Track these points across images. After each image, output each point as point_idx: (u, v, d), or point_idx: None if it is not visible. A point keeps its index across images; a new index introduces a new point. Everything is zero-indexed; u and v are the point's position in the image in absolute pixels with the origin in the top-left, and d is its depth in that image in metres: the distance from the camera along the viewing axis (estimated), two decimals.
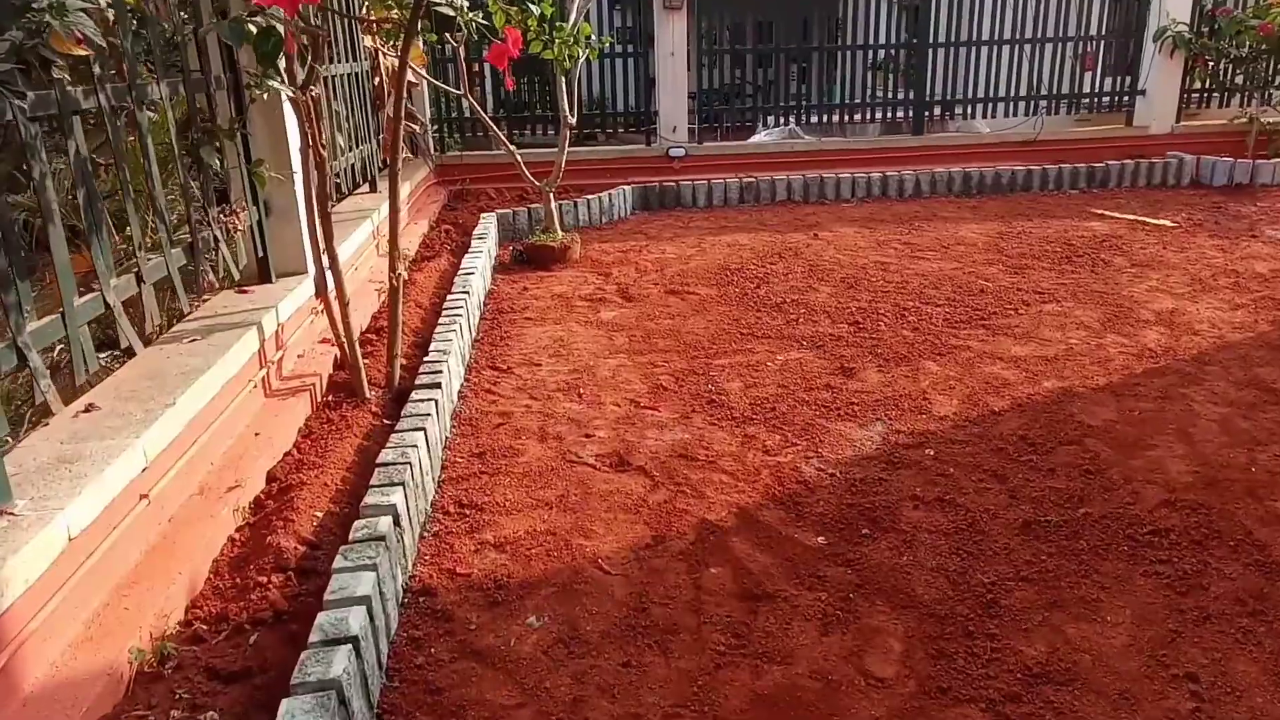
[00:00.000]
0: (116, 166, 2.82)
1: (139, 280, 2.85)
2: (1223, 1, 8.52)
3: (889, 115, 8.91)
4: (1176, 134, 8.83)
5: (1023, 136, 8.78)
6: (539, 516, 2.78)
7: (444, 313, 4.24)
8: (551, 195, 6.03)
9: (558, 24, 4.70)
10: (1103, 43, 8.82)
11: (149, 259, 2.91)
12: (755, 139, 9.20)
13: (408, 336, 4.15)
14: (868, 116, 8.92)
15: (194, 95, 3.29)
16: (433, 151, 8.23)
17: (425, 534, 2.70)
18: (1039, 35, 8.68)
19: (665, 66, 8.26)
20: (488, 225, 6.23)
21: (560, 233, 6.04)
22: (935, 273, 5.47)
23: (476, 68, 8.40)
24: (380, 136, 6.38)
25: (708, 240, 6.58)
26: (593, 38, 5.38)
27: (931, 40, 8.68)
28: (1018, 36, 8.66)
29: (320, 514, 2.61)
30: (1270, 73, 8.76)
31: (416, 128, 7.43)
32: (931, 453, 3.17)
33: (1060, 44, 8.71)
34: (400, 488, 2.50)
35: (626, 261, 6.01)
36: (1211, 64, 8.60)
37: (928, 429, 3.35)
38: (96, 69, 2.63)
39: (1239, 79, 8.79)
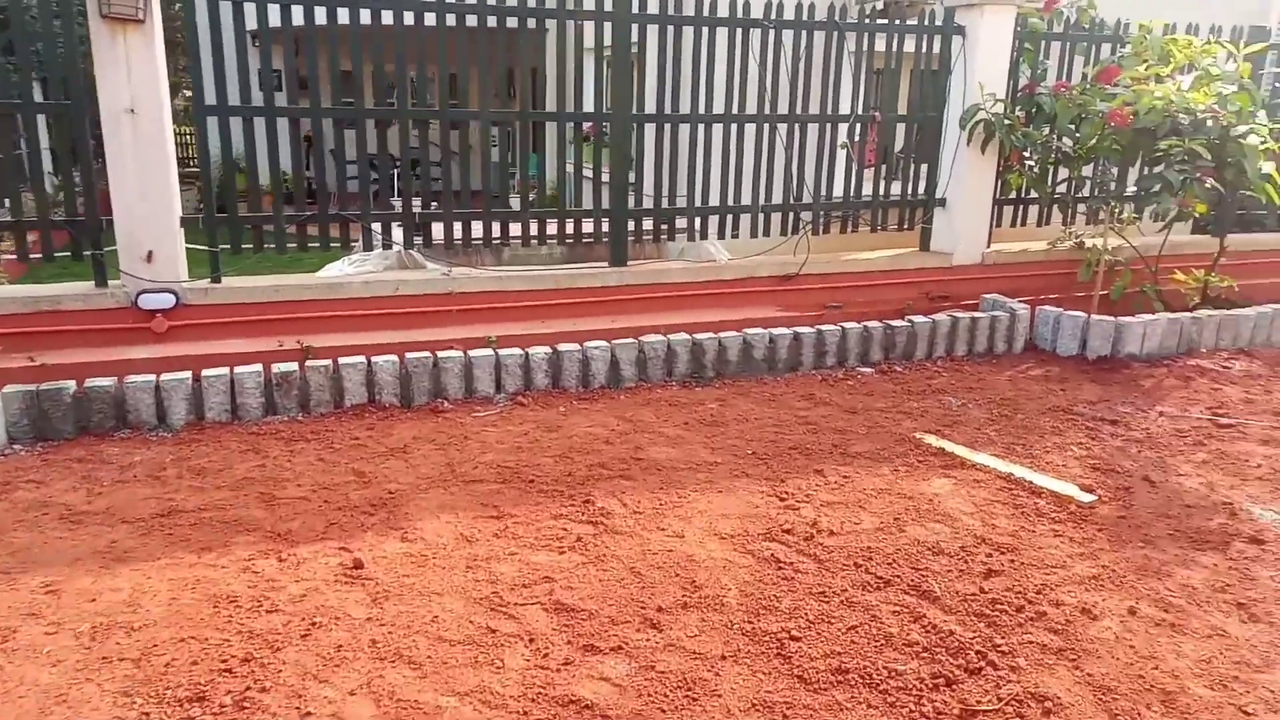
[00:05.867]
0: None
1: None
2: (1043, 74, 5.79)
3: (571, 230, 5.25)
4: (988, 265, 5.97)
5: (780, 268, 5.51)
6: None
7: None
8: None
9: None
10: (890, 126, 5.78)
11: None
12: (331, 270, 5.18)
13: None
14: (540, 232, 5.22)
15: None
16: None
17: None
18: (795, 112, 5.45)
19: (118, 134, 4.13)
20: None
21: None
22: None
23: None
24: None
25: (72, 602, 2.50)
26: None
27: (637, 110, 5.23)
28: (766, 113, 5.39)
29: None
30: (1116, 178, 6.16)
31: None
32: None
33: (828, 125, 5.56)
34: None
35: None
36: (1031, 162, 5.82)
37: None
38: None
39: (1062, 185, 6.11)
